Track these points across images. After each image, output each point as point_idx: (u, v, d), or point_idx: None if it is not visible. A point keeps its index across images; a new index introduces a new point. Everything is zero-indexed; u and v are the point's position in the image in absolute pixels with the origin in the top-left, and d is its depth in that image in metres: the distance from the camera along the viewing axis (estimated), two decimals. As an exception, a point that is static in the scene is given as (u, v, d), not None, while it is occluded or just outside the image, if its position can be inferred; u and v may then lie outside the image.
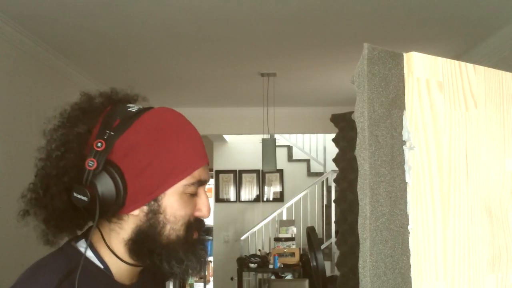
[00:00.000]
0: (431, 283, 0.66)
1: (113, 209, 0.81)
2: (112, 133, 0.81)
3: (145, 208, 0.82)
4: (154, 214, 0.82)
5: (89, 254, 0.84)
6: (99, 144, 0.79)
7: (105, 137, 0.80)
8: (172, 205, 0.83)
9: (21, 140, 3.14)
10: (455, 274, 0.68)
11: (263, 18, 2.94)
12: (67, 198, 0.81)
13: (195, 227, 0.86)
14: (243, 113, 5.76)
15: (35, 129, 3.31)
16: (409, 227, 0.66)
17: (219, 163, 7.63)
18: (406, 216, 0.66)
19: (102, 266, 0.84)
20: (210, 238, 8.00)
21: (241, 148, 7.64)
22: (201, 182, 0.86)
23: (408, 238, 0.66)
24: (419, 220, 0.66)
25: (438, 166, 0.68)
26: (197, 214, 0.87)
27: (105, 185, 0.79)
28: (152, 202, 0.82)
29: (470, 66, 0.74)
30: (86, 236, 0.87)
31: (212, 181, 7.94)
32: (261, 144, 4.79)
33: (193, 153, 0.85)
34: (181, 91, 5.02)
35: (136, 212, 0.83)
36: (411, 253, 0.65)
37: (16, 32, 3.00)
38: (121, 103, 0.88)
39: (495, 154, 0.75)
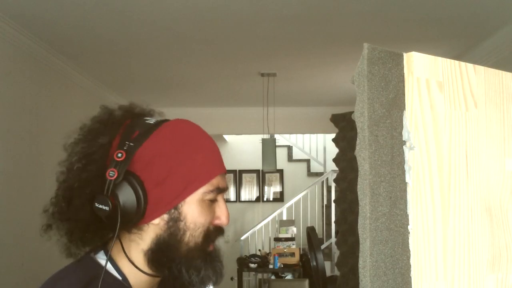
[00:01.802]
0: (431, 283, 0.66)
1: (134, 219, 0.82)
2: (131, 144, 0.83)
3: (165, 216, 0.84)
4: (174, 222, 0.84)
5: (108, 265, 0.84)
6: (119, 155, 0.81)
7: (125, 148, 0.82)
8: (193, 212, 0.84)
9: (21, 140, 3.14)
10: (455, 274, 0.68)
11: (263, 18, 2.94)
12: (90, 210, 0.82)
13: (214, 235, 0.88)
14: (243, 113, 5.77)
15: (35, 129, 3.31)
16: (409, 227, 0.66)
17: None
18: (406, 216, 0.66)
19: (120, 278, 0.85)
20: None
21: (241, 148, 7.65)
22: (220, 190, 0.88)
23: (408, 238, 0.66)
24: (419, 220, 0.66)
25: (438, 166, 0.68)
26: (216, 222, 0.88)
27: (126, 194, 0.81)
28: (173, 210, 0.84)
29: (470, 66, 0.74)
30: (105, 247, 0.88)
31: (212, 181, 7.92)
32: (261, 144, 4.79)
33: (211, 162, 0.87)
34: (181, 91, 5.02)
35: (156, 221, 0.84)
36: (411, 253, 0.65)
37: (16, 32, 3.00)
38: (140, 116, 0.90)
39: (495, 154, 0.75)
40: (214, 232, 0.88)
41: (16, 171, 3.05)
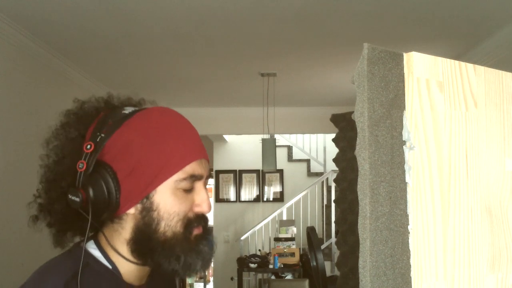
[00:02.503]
0: (431, 283, 0.66)
1: (108, 209, 0.83)
2: (102, 135, 0.83)
3: (139, 206, 0.84)
4: (147, 211, 0.83)
5: (98, 254, 0.85)
6: (88, 146, 0.82)
7: (97, 140, 0.83)
8: (165, 201, 0.83)
9: (21, 140, 3.14)
10: (455, 274, 0.68)
11: (263, 18, 2.94)
12: (65, 202, 0.83)
13: (196, 223, 0.86)
14: (243, 113, 5.77)
15: (35, 129, 3.31)
16: (409, 227, 0.66)
17: (219, 163, 7.63)
18: (406, 216, 0.66)
19: (110, 266, 0.85)
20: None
21: (241, 148, 7.65)
22: (195, 177, 0.86)
23: (408, 238, 0.66)
24: (419, 220, 0.66)
25: (438, 166, 0.68)
26: (197, 210, 0.87)
27: (96, 185, 0.81)
28: (145, 200, 0.83)
29: (470, 66, 0.74)
30: (95, 238, 0.88)
31: (212, 181, 7.94)
32: (261, 144, 4.79)
33: (183, 149, 0.85)
34: (181, 91, 5.02)
35: (132, 210, 0.84)
36: (411, 253, 0.65)
37: (16, 32, 3.00)
38: (119, 107, 0.90)
39: (495, 154, 0.75)
40: (195, 220, 0.86)
41: (16, 171, 3.05)
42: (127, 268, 0.87)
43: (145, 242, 0.84)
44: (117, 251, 0.86)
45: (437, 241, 0.67)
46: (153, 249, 0.83)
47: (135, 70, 4.17)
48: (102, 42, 3.36)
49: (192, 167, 0.85)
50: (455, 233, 0.69)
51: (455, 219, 0.69)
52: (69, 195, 0.82)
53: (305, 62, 3.97)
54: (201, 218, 0.88)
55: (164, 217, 0.83)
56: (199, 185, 0.87)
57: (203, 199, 0.87)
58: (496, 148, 0.76)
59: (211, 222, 7.37)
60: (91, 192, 0.81)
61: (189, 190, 0.86)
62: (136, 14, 2.84)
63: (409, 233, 0.66)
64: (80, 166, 0.81)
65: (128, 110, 0.88)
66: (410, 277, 0.65)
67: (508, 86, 0.78)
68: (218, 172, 7.63)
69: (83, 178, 0.81)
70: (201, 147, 0.88)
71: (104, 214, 0.83)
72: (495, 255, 0.73)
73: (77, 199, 0.81)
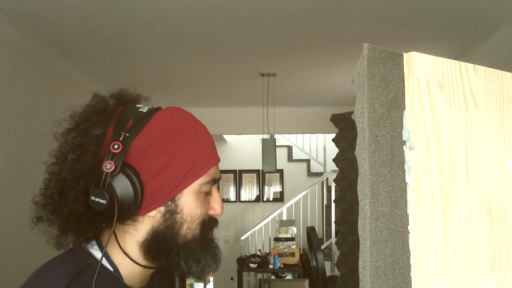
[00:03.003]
0: (431, 283, 0.66)
1: (131, 212, 0.80)
2: (127, 134, 0.80)
3: (162, 208, 0.82)
4: (171, 214, 0.82)
5: (99, 255, 0.83)
6: (116, 146, 0.78)
7: (121, 139, 0.79)
8: (190, 204, 0.83)
9: (21, 140, 3.14)
10: (455, 274, 0.68)
11: (263, 18, 2.94)
12: (84, 203, 0.80)
13: (210, 226, 0.87)
14: (243, 113, 5.77)
15: (36, 129, 3.31)
16: (409, 227, 0.66)
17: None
18: (406, 216, 0.66)
19: (111, 269, 0.84)
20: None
21: (241, 148, 7.65)
22: (215, 181, 0.86)
23: (408, 238, 0.66)
24: (419, 220, 0.66)
25: (438, 166, 0.68)
26: (211, 212, 0.87)
27: (124, 187, 0.78)
28: (169, 203, 0.82)
29: (470, 66, 0.74)
30: (97, 237, 0.86)
31: (212, 181, 7.93)
32: (261, 144, 4.79)
33: (207, 152, 0.85)
34: (181, 91, 5.02)
35: (152, 213, 0.82)
36: (411, 253, 0.65)
37: (17, 32, 3.00)
38: (131, 104, 0.87)
39: (495, 154, 0.75)
40: (209, 222, 0.87)
41: (16, 171, 3.05)
42: (131, 270, 0.85)
43: (163, 244, 0.82)
44: (126, 253, 0.84)
45: (437, 241, 0.67)
46: (171, 251, 0.82)
47: (135, 70, 4.17)
48: (103, 42, 3.36)
49: (214, 171, 0.85)
50: (455, 233, 0.69)
51: (455, 219, 0.69)
52: (92, 197, 0.78)
53: (305, 62, 3.97)
54: (214, 221, 0.88)
55: (187, 220, 0.83)
56: (214, 188, 0.88)
57: (218, 202, 0.87)
58: (496, 148, 0.75)
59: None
60: (118, 194, 0.78)
61: (207, 193, 0.86)
62: (136, 14, 2.84)
63: (409, 233, 0.66)
64: (107, 167, 0.77)
65: (143, 108, 0.86)
66: (410, 277, 0.65)
67: (508, 86, 0.78)
68: (218, 172, 7.62)
69: (109, 179, 0.78)
70: (216, 150, 0.89)
71: (125, 216, 0.81)
72: (495, 255, 0.73)
73: (103, 201, 0.77)
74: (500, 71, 0.78)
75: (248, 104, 5.51)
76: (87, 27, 3.04)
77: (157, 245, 0.83)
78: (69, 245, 0.84)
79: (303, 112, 5.80)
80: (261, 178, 7.63)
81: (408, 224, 0.66)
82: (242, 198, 7.65)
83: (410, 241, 0.66)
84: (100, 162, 0.79)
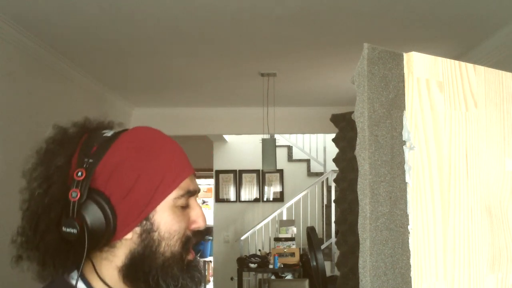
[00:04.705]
0: (431, 283, 0.66)
1: (105, 237, 0.79)
2: (91, 160, 0.79)
3: (137, 229, 0.81)
4: (148, 233, 0.81)
5: (81, 285, 0.82)
6: (79, 174, 0.78)
7: (85, 166, 0.78)
8: (166, 220, 0.81)
9: (21, 140, 3.14)
10: (455, 274, 0.68)
11: (263, 18, 2.94)
12: (58, 234, 0.79)
13: (194, 240, 0.85)
14: (243, 113, 5.77)
15: (36, 129, 3.31)
16: (409, 227, 0.66)
17: (219, 163, 7.63)
18: (406, 216, 0.66)
19: None
20: (210, 238, 8.00)
21: (241, 148, 7.64)
22: (191, 193, 0.85)
23: (408, 238, 0.66)
24: (419, 220, 0.66)
25: (438, 166, 0.68)
26: (193, 226, 0.85)
27: (93, 213, 0.77)
28: (144, 222, 0.80)
29: (470, 66, 0.74)
30: (78, 267, 0.84)
31: (212, 181, 7.94)
32: (261, 144, 4.79)
33: (176, 165, 0.83)
34: (181, 91, 5.02)
35: (129, 235, 0.81)
36: (411, 253, 0.65)
37: (16, 32, 3.00)
38: (97, 131, 0.86)
39: (495, 154, 0.75)
40: (192, 237, 0.85)
41: (17, 171, 3.05)
42: None
43: (142, 266, 0.81)
44: (104, 281, 0.82)
45: (437, 241, 0.67)
46: (149, 272, 0.81)
47: (135, 70, 4.17)
48: (103, 43, 3.36)
49: (187, 183, 0.84)
50: (455, 233, 0.69)
51: (455, 219, 0.69)
52: (63, 228, 0.77)
53: (305, 62, 3.97)
54: (199, 234, 0.87)
55: (165, 237, 0.81)
56: (193, 201, 0.86)
57: (199, 214, 0.86)
58: (496, 148, 0.76)
59: (211, 222, 7.39)
60: (88, 221, 0.76)
61: (185, 207, 0.84)
62: (136, 14, 2.84)
63: (409, 233, 0.66)
64: (73, 195, 0.76)
65: (108, 132, 0.85)
66: (410, 277, 0.65)
67: (508, 86, 0.78)
68: (218, 172, 7.63)
69: (76, 207, 0.77)
70: (189, 163, 0.87)
71: (101, 242, 0.79)
72: (495, 255, 0.73)
73: (74, 231, 0.76)
74: (500, 71, 0.78)
75: (248, 104, 5.50)
76: (87, 27, 3.04)
77: (136, 268, 0.81)
78: (52, 277, 0.83)
79: (303, 112, 5.80)
80: (261, 178, 7.63)
81: (408, 224, 0.66)
82: (242, 198, 7.65)
83: (410, 241, 0.66)
84: (67, 192, 0.78)
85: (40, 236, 0.79)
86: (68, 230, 0.77)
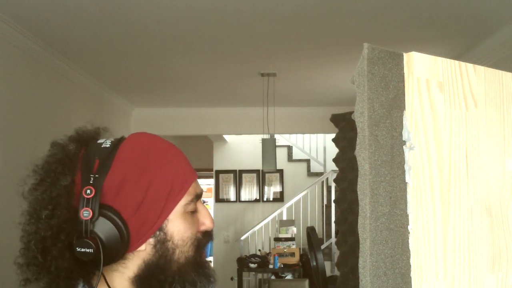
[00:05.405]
0: (431, 283, 0.66)
1: (121, 251, 0.78)
2: (97, 176, 0.77)
3: (151, 240, 0.80)
4: (162, 243, 0.80)
5: None
6: (88, 191, 0.75)
7: (91, 182, 0.77)
8: (179, 228, 0.81)
9: (21, 140, 3.14)
10: (455, 274, 0.68)
11: (263, 18, 2.94)
12: (71, 256, 0.77)
13: (204, 242, 0.85)
14: (243, 113, 5.77)
15: (36, 130, 3.31)
16: (409, 227, 0.66)
17: (219, 163, 7.63)
18: (406, 216, 0.66)
19: None
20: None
21: (241, 148, 7.65)
22: (198, 196, 0.85)
23: (408, 238, 0.66)
24: (419, 220, 0.66)
25: (438, 166, 0.68)
26: (202, 228, 0.85)
27: (107, 230, 0.76)
28: (158, 232, 0.80)
29: (470, 66, 0.74)
30: (85, 277, 0.82)
31: (212, 181, 7.94)
32: (261, 144, 4.79)
33: (182, 171, 0.83)
34: (181, 91, 5.02)
35: (143, 247, 0.80)
36: (411, 253, 0.65)
37: (16, 32, 3.00)
38: (93, 142, 0.84)
39: (495, 154, 0.75)
40: (203, 239, 0.85)
41: (16, 171, 3.05)
42: None
43: (157, 275, 0.80)
44: None
45: (437, 241, 0.67)
46: (165, 280, 0.80)
47: (135, 70, 4.17)
48: (103, 43, 3.36)
49: (194, 187, 0.84)
50: (455, 233, 0.69)
51: (455, 219, 0.69)
52: (77, 248, 0.75)
53: (305, 62, 3.97)
54: (208, 236, 0.87)
55: (179, 244, 0.81)
56: (199, 203, 0.86)
57: (206, 216, 0.86)
58: (496, 148, 0.75)
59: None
60: (103, 239, 0.75)
61: (194, 212, 0.84)
62: (136, 14, 2.84)
63: (409, 233, 0.66)
64: (85, 215, 0.74)
65: (106, 143, 0.83)
66: (410, 277, 0.65)
67: (508, 86, 0.78)
68: (218, 172, 7.63)
69: (89, 227, 0.75)
70: (191, 166, 0.87)
71: (116, 257, 0.78)
72: (495, 255, 0.73)
73: (90, 250, 0.74)
74: (500, 71, 0.78)
75: (248, 104, 5.51)
76: (87, 27, 3.04)
77: (150, 278, 0.80)
78: None
79: (303, 112, 5.80)
80: (261, 178, 7.63)
81: (408, 224, 0.66)
82: (242, 198, 7.65)
83: (410, 241, 0.66)
84: (75, 211, 0.76)
85: (51, 260, 0.77)
86: (83, 250, 0.75)
